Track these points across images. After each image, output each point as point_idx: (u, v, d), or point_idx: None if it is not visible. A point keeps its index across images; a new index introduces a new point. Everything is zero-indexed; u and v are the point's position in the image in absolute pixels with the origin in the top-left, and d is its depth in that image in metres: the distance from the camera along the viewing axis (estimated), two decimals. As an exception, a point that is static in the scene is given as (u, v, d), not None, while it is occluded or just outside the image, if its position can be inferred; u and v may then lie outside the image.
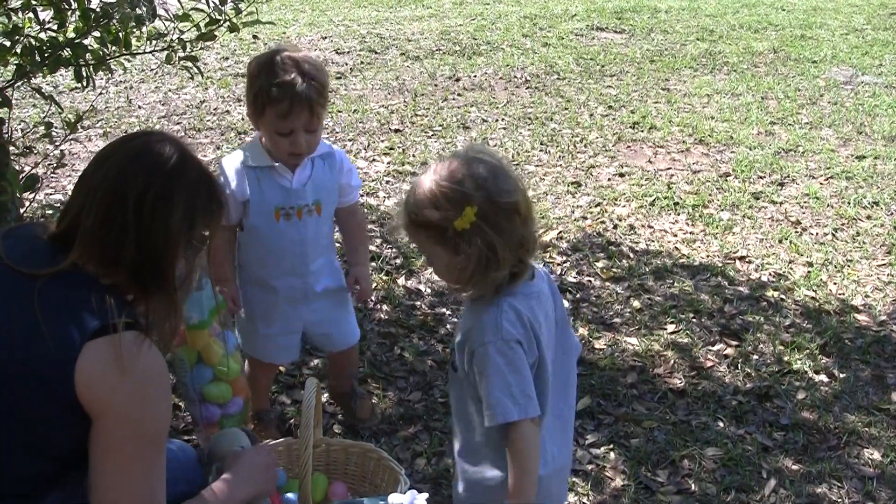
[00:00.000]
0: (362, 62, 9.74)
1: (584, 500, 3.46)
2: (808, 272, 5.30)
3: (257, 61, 3.13)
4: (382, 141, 7.36)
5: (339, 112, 8.05)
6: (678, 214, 6.09)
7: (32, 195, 4.68)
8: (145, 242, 2.27)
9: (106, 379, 2.15)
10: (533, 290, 2.41)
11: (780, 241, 5.71)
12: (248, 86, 3.20)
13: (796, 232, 5.84)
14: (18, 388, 2.15)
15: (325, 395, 3.88)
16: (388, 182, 6.49)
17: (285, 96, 3.04)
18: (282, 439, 3.33)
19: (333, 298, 3.50)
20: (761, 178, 6.76)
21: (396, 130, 7.62)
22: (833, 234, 5.83)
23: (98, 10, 4.06)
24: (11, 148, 4.02)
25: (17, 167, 4.15)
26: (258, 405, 3.59)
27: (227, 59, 9.76)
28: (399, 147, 7.19)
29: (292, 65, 3.07)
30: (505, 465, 2.36)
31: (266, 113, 3.12)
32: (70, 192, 2.44)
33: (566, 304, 4.86)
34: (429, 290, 4.97)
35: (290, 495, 3.19)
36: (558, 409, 2.48)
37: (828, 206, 6.27)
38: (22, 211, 4.35)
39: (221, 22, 4.20)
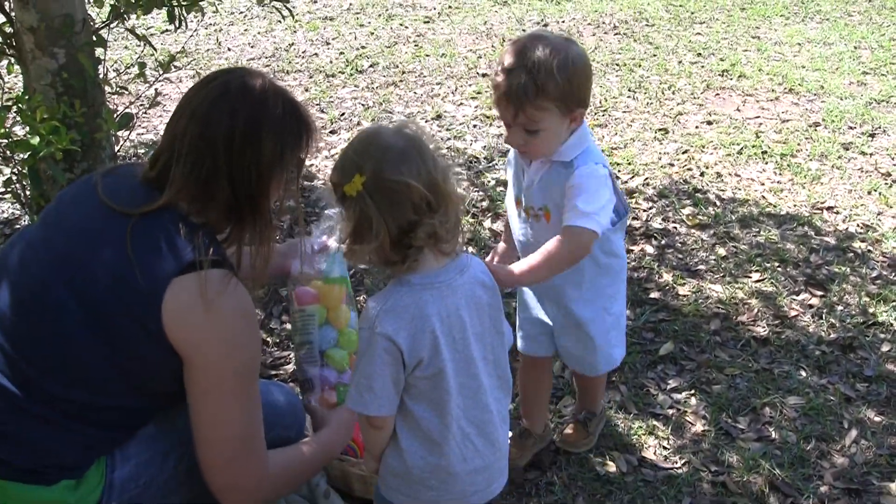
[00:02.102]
0: (450, 6, 9.74)
1: (665, 443, 3.49)
2: (898, 224, 5.24)
3: None
4: (470, 85, 7.37)
5: (427, 56, 8.08)
6: (766, 163, 6.04)
7: (127, 133, 4.78)
8: (238, 179, 2.33)
9: (191, 316, 2.22)
10: (438, 280, 2.24)
11: (869, 193, 5.63)
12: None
13: (886, 184, 5.75)
14: (115, 323, 2.22)
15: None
16: (475, 126, 6.51)
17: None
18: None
19: None
20: (851, 128, 6.65)
21: (484, 75, 7.62)
22: (924, 187, 5.74)
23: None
24: (106, 87, 4.11)
25: (111, 106, 4.24)
26: None
27: (315, 1, 9.83)
28: (487, 91, 7.19)
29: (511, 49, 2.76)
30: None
31: None
32: (161, 134, 2.50)
33: (650, 249, 4.87)
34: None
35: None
36: (471, 413, 2.32)
37: (920, 157, 6.17)
38: (116, 149, 4.45)
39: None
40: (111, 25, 4.25)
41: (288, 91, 2.50)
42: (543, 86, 2.61)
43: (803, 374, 3.90)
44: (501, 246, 3.22)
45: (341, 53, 8.18)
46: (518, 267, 2.69)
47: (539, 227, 2.89)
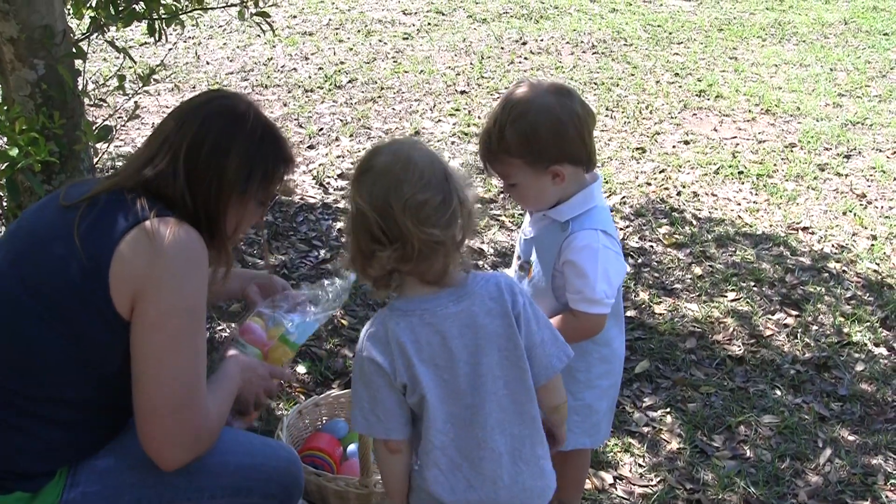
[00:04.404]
0: (429, 23, 9.77)
1: (640, 461, 3.50)
2: (872, 245, 5.28)
3: None
4: (448, 102, 7.39)
5: (406, 72, 8.09)
6: (742, 183, 6.08)
7: (106, 146, 4.77)
8: (196, 190, 2.33)
9: (139, 259, 2.18)
10: (421, 307, 2.19)
11: (845, 214, 5.68)
12: None
13: (861, 205, 5.80)
14: (65, 309, 2.20)
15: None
16: (453, 143, 6.53)
17: None
18: (346, 390, 3.39)
19: None
20: (827, 149, 6.71)
21: (462, 92, 7.65)
22: (898, 208, 5.79)
23: (174, -37, 4.13)
24: (85, 99, 4.10)
25: (89, 118, 4.23)
26: None
27: (294, 17, 9.84)
28: (465, 108, 7.22)
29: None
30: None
31: None
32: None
33: (628, 268, 4.88)
34: (491, 250, 5.01)
35: (351, 447, 3.26)
36: (462, 444, 2.23)
37: (894, 179, 6.22)
38: (95, 161, 4.44)
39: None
40: (91, 37, 4.25)
41: (275, 125, 2.49)
42: (500, 141, 2.54)
43: (778, 392, 3.92)
44: None
45: (320, 69, 8.18)
46: None
47: (524, 280, 2.77)
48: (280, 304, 3.02)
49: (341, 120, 6.99)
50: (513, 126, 2.52)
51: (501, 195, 5.54)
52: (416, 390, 2.18)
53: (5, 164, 3.46)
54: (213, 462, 2.38)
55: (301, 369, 3.59)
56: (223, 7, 4.39)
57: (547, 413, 2.32)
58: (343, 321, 4.23)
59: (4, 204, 4.20)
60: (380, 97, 7.51)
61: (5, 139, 3.56)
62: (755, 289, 4.74)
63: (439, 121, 6.98)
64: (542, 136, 2.51)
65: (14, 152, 3.41)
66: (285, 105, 7.27)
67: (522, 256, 2.78)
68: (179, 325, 2.22)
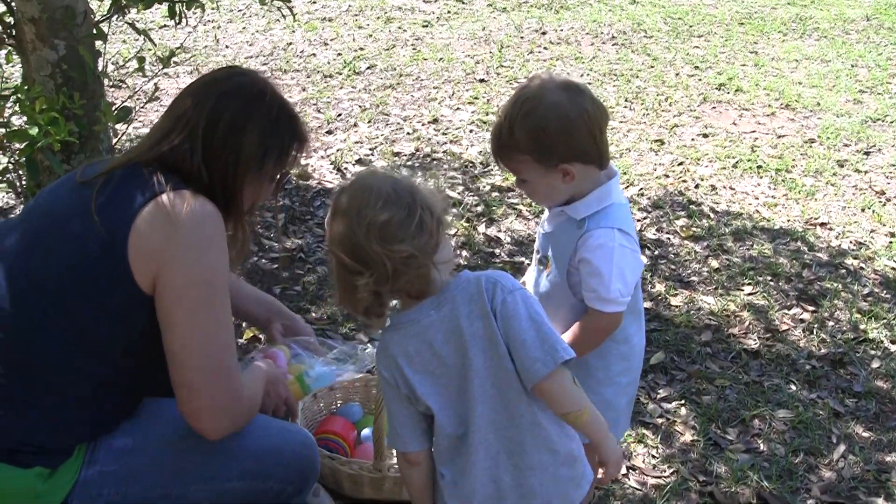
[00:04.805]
0: (449, 11, 9.75)
1: (654, 452, 3.50)
2: (890, 242, 5.25)
3: None
4: (467, 90, 7.38)
5: (425, 60, 8.09)
6: (761, 178, 6.06)
7: (125, 127, 4.78)
8: (213, 167, 2.33)
9: (157, 234, 2.20)
10: (407, 318, 2.22)
11: (863, 210, 5.65)
12: None
13: (880, 202, 5.77)
14: (86, 289, 2.21)
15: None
16: (471, 131, 6.52)
17: None
18: (359, 375, 3.39)
19: None
20: (847, 146, 6.67)
21: (481, 80, 7.63)
22: (918, 206, 5.76)
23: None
24: (104, 80, 4.11)
25: (109, 99, 4.25)
26: None
27: (314, 2, 9.84)
28: (483, 97, 7.21)
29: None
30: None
31: None
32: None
33: (644, 260, 4.87)
34: (508, 239, 5.01)
35: (365, 431, 3.27)
36: (454, 452, 2.24)
37: (914, 177, 6.20)
38: (114, 142, 4.45)
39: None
40: (112, 19, 4.26)
41: (290, 103, 2.50)
42: (510, 137, 2.53)
43: (793, 387, 3.91)
44: None
45: (339, 54, 8.18)
46: None
47: (542, 275, 2.75)
48: (304, 346, 3.04)
49: (360, 106, 6.99)
50: (522, 123, 2.50)
51: (519, 184, 5.53)
52: (419, 400, 2.20)
53: (25, 143, 3.48)
54: (230, 445, 2.40)
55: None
56: (245, -10, 4.40)
57: (568, 421, 2.24)
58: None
59: (24, 182, 4.22)
60: (398, 84, 7.51)
61: (25, 118, 3.57)
62: (772, 283, 4.73)
63: (458, 108, 6.97)
64: (551, 134, 2.49)
65: (34, 131, 3.42)
66: (304, 90, 7.27)
67: (541, 251, 2.76)
68: (199, 296, 2.23)
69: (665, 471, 3.41)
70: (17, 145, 3.79)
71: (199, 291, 2.24)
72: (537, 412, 2.21)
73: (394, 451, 3.29)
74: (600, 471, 2.27)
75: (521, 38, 8.94)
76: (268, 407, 2.65)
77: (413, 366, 2.20)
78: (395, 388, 2.22)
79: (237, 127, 2.35)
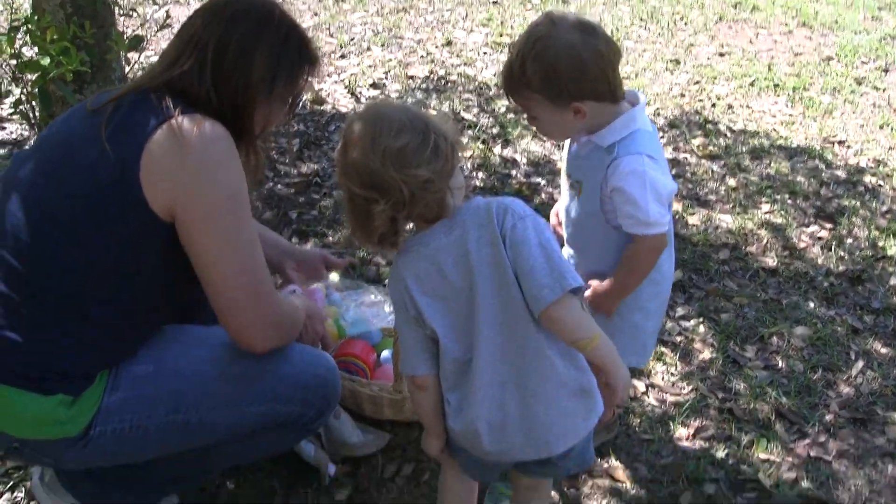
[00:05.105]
0: (461, -67, 9.64)
1: (672, 370, 3.50)
2: (909, 159, 5.22)
3: None
4: (481, 12, 7.32)
5: (438, -18, 8.02)
6: (778, 96, 6.01)
7: (137, 55, 4.75)
8: (223, 91, 2.32)
9: (168, 158, 2.18)
10: (419, 241, 2.21)
11: (881, 128, 5.61)
12: None
13: (898, 118, 5.73)
14: (100, 214, 2.21)
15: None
16: (485, 53, 6.48)
17: None
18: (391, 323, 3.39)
19: None
20: (865, 63, 6.61)
21: (495, 2, 7.57)
22: (936, 122, 5.71)
23: None
24: (115, 9, 4.09)
25: (119, 28, 4.22)
26: None
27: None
28: (497, 19, 7.15)
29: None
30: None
31: None
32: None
33: (677, 186, 4.85)
34: (524, 160, 4.99)
35: (385, 353, 3.28)
36: (459, 376, 2.24)
37: (932, 93, 6.14)
38: (126, 70, 4.43)
39: None
40: (122, -55, 4.22)
41: (300, 25, 2.47)
42: (521, 76, 2.52)
43: (811, 304, 3.91)
44: (553, 220, 3.02)
45: (351, -21, 8.12)
46: (610, 288, 2.68)
47: (574, 201, 2.76)
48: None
49: (373, 30, 6.94)
50: (534, 62, 2.49)
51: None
52: (425, 322, 2.20)
53: (37, 74, 3.47)
54: (252, 370, 2.41)
55: (334, 277, 3.59)
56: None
57: (579, 349, 2.22)
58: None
59: (37, 114, 4.21)
60: (411, 7, 7.44)
61: (37, 49, 3.55)
62: (789, 201, 4.71)
63: (471, 31, 6.91)
64: (563, 74, 2.48)
65: (46, 62, 3.41)
66: (316, 14, 7.22)
67: (572, 175, 2.76)
68: (225, 216, 2.23)
69: (684, 388, 3.43)
70: (30, 76, 3.78)
71: (223, 211, 2.23)
72: (545, 343, 2.19)
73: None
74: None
75: (535, -42, 8.84)
76: (304, 342, 2.65)
77: (422, 287, 2.20)
78: (405, 311, 2.23)
79: (246, 49, 2.33)
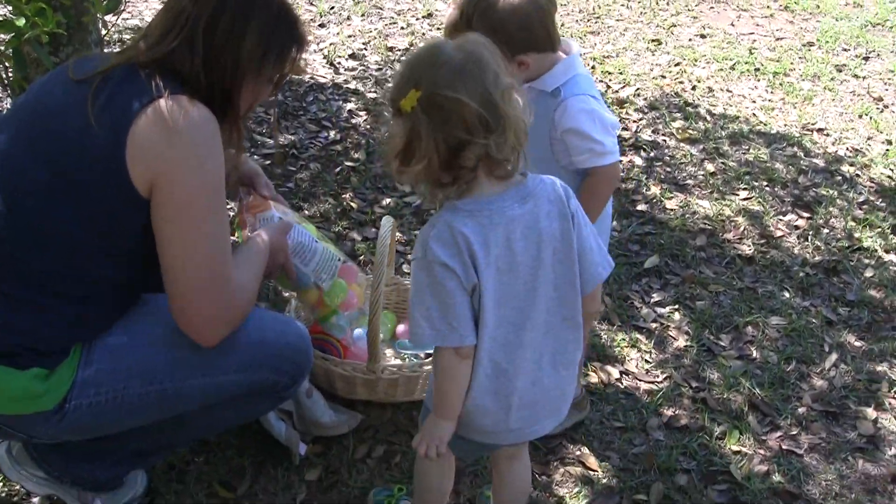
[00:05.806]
0: None
1: (647, 357, 3.50)
2: (887, 150, 5.22)
3: None
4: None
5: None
6: (758, 81, 6.00)
7: (115, 18, 4.68)
8: (213, 66, 2.28)
9: (154, 139, 2.16)
10: (489, 207, 2.12)
11: (860, 117, 5.61)
12: None
13: (877, 108, 5.73)
14: (82, 184, 2.18)
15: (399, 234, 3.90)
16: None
17: None
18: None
19: None
20: (846, 50, 6.61)
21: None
22: (915, 113, 5.72)
23: None
24: (92, -31, 4.01)
25: (98, -12, 4.14)
26: None
27: None
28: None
29: None
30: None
31: None
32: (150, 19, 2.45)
33: (639, 161, 4.84)
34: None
35: (358, 331, 3.25)
36: (508, 348, 2.20)
37: (912, 83, 6.14)
38: (103, 33, 4.36)
39: None
40: None
41: (290, 4, 2.43)
42: (466, 32, 2.46)
43: (787, 294, 3.91)
44: None
45: (332, -55, 8.03)
46: None
47: None
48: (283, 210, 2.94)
49: (353, -1, 6.88)
50: (480, 19, 2.56)
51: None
52: (478, 292, 2.12)
53: (11, 35, 3.39)
54: (226, 339, 2.38)
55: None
56: None
57: (585, 319, 2.29)
58: (353, 204, 4.20)
59: (10, 75, 4.14)
60: (393, -23, 7.38)
61: (11, 8, 3.48)
62: (767, 188, 4.70)
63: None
64: (509, 30, 2.57)
65: (21, 22, 3.33)
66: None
67: None
68: (204, 204, 2.21)
69: (658, 376, 3.42)
70: (3, 36, 3.70)
71: (203, 199, 2.21)
72: (580, 315, 2.25)
73: (388, 353, 3.31)
74: None
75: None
76: (265, 273, 2.63)
77: (488, 257, 2.11)
78: (458, 279, 2.09)
79: (237, 28, 2.29)
